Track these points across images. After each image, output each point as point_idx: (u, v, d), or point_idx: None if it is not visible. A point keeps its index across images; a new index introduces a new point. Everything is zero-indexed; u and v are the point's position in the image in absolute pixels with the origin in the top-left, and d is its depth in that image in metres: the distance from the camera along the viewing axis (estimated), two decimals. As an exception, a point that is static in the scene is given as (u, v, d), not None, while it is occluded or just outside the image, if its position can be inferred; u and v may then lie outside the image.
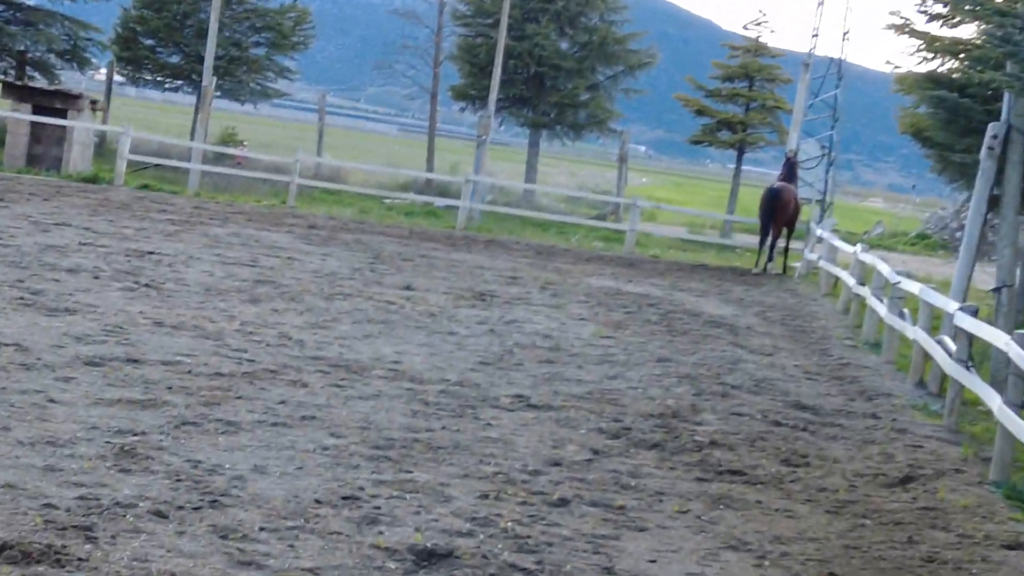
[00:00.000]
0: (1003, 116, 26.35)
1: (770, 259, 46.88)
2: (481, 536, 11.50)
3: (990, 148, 26.52)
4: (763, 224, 47.16)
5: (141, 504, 11.15)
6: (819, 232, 47.18)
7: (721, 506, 13.70)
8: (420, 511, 12.00)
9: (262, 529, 10.97)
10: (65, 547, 9.79)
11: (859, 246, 37.67)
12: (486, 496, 12.81)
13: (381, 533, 11.23)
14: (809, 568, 11.89)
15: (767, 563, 11.90)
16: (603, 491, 13.64)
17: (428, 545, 10.97)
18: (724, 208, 64.22)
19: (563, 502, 12.94)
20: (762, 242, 47.34)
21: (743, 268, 47.02)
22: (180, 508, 11.18)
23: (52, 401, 14.32)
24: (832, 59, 67.71)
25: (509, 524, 11.95)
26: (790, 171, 50.94)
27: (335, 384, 17.30)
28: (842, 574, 11.82)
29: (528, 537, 11.68)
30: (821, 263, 43.80)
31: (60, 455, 12.23)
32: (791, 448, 17.15)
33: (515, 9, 59.17)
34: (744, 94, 70.20)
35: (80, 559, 9.55)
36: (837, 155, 66.25)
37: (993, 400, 17.55)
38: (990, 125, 26.91)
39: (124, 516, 10.79)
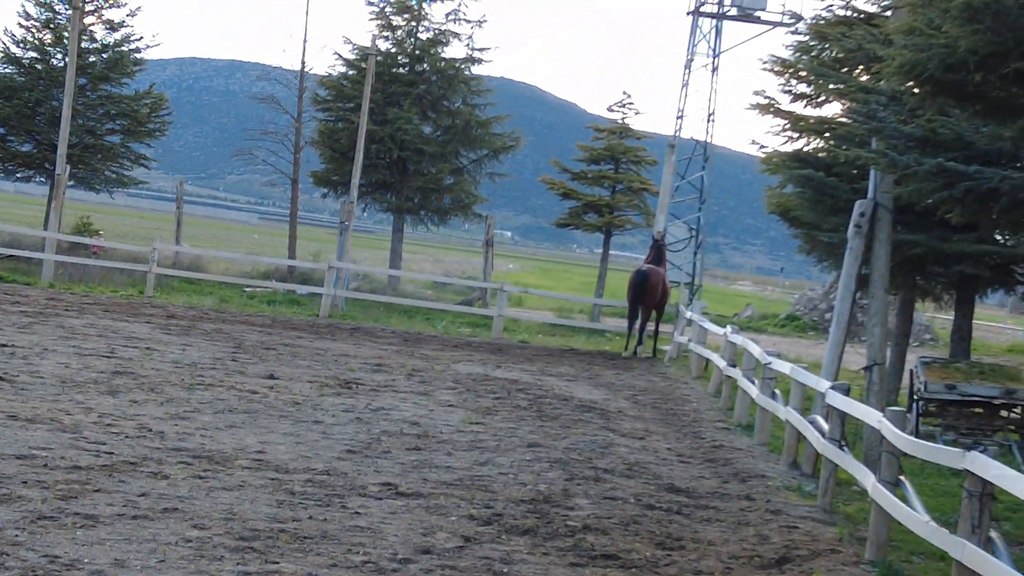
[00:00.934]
0: (870, 193, 26.61)
1: (640, 342, 47.00)
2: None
3: (857, 226, 26.76)
4: (632, 307, 47.41)
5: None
6: (688, 314, 47.50)
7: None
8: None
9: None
10: None
11: (729, 328, 37.91)
12: (354, 589, 12.74)
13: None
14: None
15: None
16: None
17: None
18: (592, 292, 64.64)
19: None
20: (631, 325, 47.47)
21: (613, 352, 47.19)
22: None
23: None
24: (698, 141, 68.43)
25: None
26: (658, 253, 51.21)
27: (197, 475, 17.08)
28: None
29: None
30: (691, 345, 44.05)
31: None
32: (665, 531, 17.10)
33: (376, 93, 59.41)
34: (610, 176, 70.64)
35: None
36: (704, 237, 67.01)
37: (867, 479, 17.66)
38: (857, 203, 27.17)
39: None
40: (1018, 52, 13.39)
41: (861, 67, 31.78)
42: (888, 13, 30.90)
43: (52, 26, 61.83)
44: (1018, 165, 18.46)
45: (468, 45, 68.35)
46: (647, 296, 47.10)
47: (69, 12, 58.61)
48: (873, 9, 37.22)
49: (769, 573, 15.51)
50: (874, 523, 16.89)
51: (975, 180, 17.93)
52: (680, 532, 17.17)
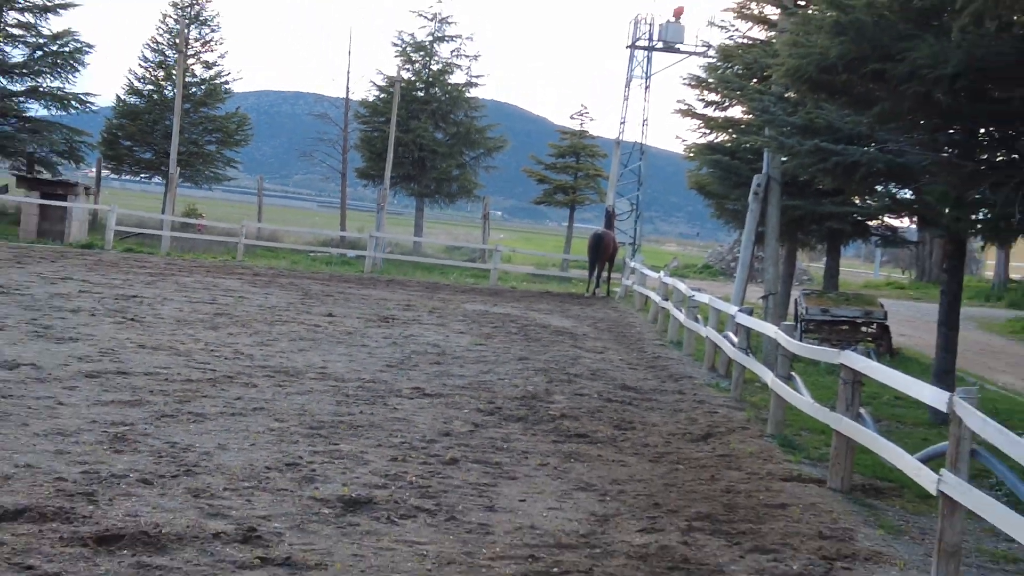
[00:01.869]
0: (764, 169, 26.69)
1: (596, 286, 47.00)
2: (392, 488, 11.37)
3: (755, 194, 26.82)
4: (591, 260, 47.62)
5: (131, 475, 10.90)
6: (632, 264, 47.79)
7: (571, 460, 13.71)
8: (345, 471, 11.90)
9: (226, 490, 10.75)
10: (73, 508, 9.51)
11: (662, 273, 37.91)
12: (395, 459, 12.74)
13: (316, 488, 11.03)
14: (639, 500, 11.83)
15: (608, 498, 11.84)
16: (483, 453, 13.64)
17: (353, 495, 10.80)
18: (562, 250, 64.43)
19: (453, 461, 12.93)
20: (590, 274, 47.70)
21: (577, 293, 47.06)
22: (161, 477, 10.95)
23: (61, 404, 14.02)
24: (636, 141, 68.48)
25: (413, 478, 11.89)
26: (609, 221, 51.72)
27: (278, 384, 17.10)
28: (663, 503, 11.75)
29: (428, 487, 11.58)
30: (635, 287, 44.04)
31: (68, 442, 11.99)
32: (620, 417, 17.24)
33: (401, 110, 59.15)
34: (573, 167, 70.53)
35: (84, 516, 9.29)
36: (641, 211, 66.86)
37: (767, 375, 17.73)
38: (755, 176, 27.24)
39: (118, 484, 10.53)
40: (874, 56, 13.23)
41: (755, 79, 31.66)
42: (775, 36, 30.84)
43: (164, 66, 61.41)
44: (873, 144, 18.35)
45: (467, 74, 68.12)
46: (602, 252, 47.21)
47: (176, 56, 58.34)
48: (764, 36, 37.18)
49: (698, 445, 15.56)
50: (773, 407, 16.95)
51: (842, 156, 17.78)
52: (631, 417, 17.27)
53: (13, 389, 14.65)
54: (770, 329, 18.90)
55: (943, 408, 10.36)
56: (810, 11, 15.84)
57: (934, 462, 10.75)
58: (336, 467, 12.06)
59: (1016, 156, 13.87)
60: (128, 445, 12.16)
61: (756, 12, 38.62)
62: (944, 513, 9.76)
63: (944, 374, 20.02)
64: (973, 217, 15.92)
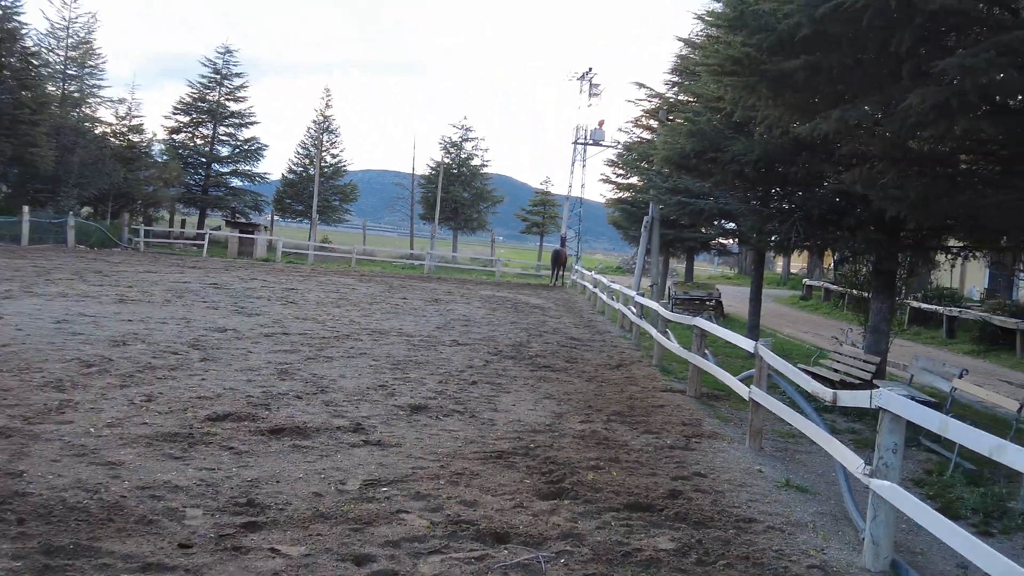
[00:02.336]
0: (650, 213, 26.79)
1: (555, 280, 46.86)
2: (439, 399, 11.36)
3: (645, 227, 26.90)
4: (552, 265, 47.90)
5: (291, 393, 10.89)
6: (576, 267, 47.72)
7: (541, 381, 13.63)
8: (412, 390, 11.87)
9: (343, 400, 10.76)
10: (253, 412, 9.52)
11: (593, 272, 37.87)
12: (440, 382, 12.69)
13: (395, 399, 11.03)
14: (579, 405, 11.81)
15: (562, 404, 11.82)
16: (491, 377, 13.56)
17: (416, 403, 10.79)
18: (536, 260, 64.30)
19: (474, 383, 12.88)
20: (552, 273, 47.67)
21: (545, 284, 46.85)
22: (306, 395, 10.94)
23: (250, 352, 14.01)
24: (578, 197, 68.21)
25: (450, 393, 11.85)
26: (562, 243, 51.69)
27: (374, 339, 17.01)
28: (593, 406, 11.74)
29: (459, 398, 11.57)
30: (577, 280, 43.99)
31: (253, 376, 11.96)
32: (569, 355, 17.12)
33: (444, 180, 59.41)
34: (541, 212, 70.75)
35: (261, 417, 9.30)
36: (580, 236, 66.45)
37: (652, 331, 17.64)
38: (645, 217, 27.27)
39: (282, 398, 10.53)
40: (711, 149, 13.19)
41: (644, 162, 31.68)
42: (656, 137, 30.91)
43: (308, 157, 61.16)
44: (711, 199, 18.32)
45: (481, 159, 67.98)
46: (558, 261, 47.39)
47: (315, 152, 58.52)
48: (649, 137, 37.44)
49: (613, 371, 15.47)
50: (656, 350, 16.90)
51: (693, 205, 17.81)
52: (575, 355, 17.16)
53: (223, 344, 14.67)
54: (654, 304, 18.91)
55: (751, 350, 10.39)
56: (676, 122, 15.72)
57: (747, 381, 10.80)
58: (406, 387, 12.07)
59: (792, 206, 13.85)
60: (288, 376, 12.15)
61: (645, 123, 38.91)
62: (752, 409, 9.84)
63: (753, 329, 20.12)
64: (769, 240, 15.98)
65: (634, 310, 21.30)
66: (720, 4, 11.03)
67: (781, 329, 28.77)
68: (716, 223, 21.24)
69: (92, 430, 8.49)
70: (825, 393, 7.65)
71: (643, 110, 38.52)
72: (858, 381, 12.60)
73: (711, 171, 13.87)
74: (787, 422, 9.34)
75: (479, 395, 11.93)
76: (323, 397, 10.85)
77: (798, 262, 67.75)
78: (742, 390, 10.54)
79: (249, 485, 7.15)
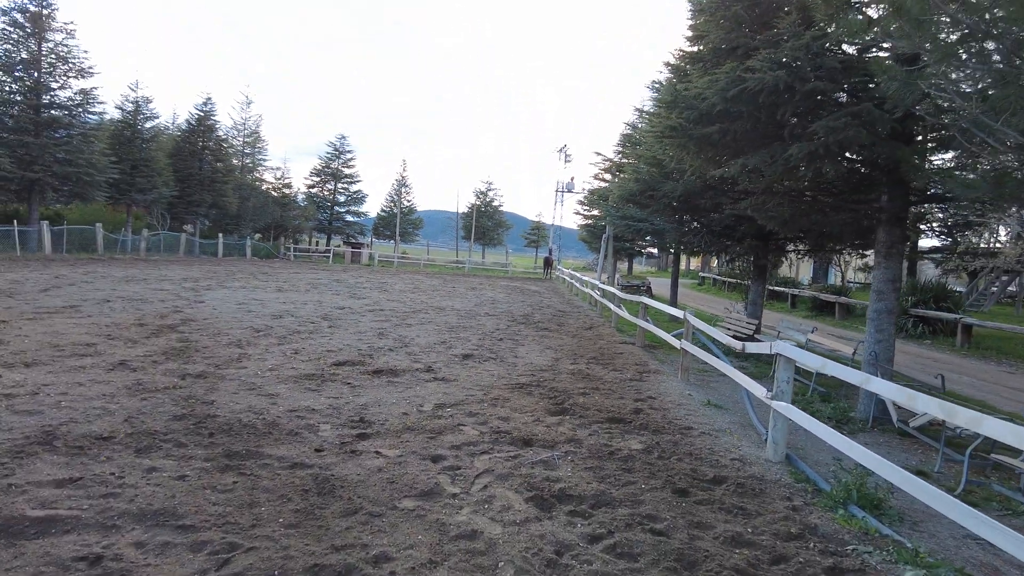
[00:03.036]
0: (607, 232, 26.06)
1: (547, 276, 45.95)
2: (480, 350, 10.82)
3: (604, 241, 26.13)
4: (544, 266, 46.75)
5: (386, 347, 10.37)
6: (560, 268, 46.71)
7: (543, 338, 13.00)
8: (464, 344, 11.28)
9: (419, 352, 10.23)
10: (362, 360, 9.02)
11: (570, 271, 37.18)
12: (480, 338, 12.09)
13: (452, 350, 10.51)
14: (568, 353, 11.27)
15: (557, 352, 11.25)
16: (511, 336, 12.91)
17: (465, 352, 10.28)
18: (533, 263, 63.54)
19: (501, 340, 12.24)
20: (544, 272, 46.53)
21: (540, 278, 46.10)
22: (395, 348, 10.42)
23: (360, 322, 13.48)
24: (559, 224, 67.38)
25: (487, 346, 11.28)
26: (550, 252, 50.74)
27: (436, 313, 16.42)
28: (578, 354, 11.19)
29: (493, 349, 11.01)
30: (560, 276, 43.26)
31: (361, 336, 11.41)
32: (558, 321, 16.39)
33: (476, 214, 58.76)
34: (535, 234, 69.74)
35: (367, 363, 8.81)
36: (560, 250, 65.31)
37: (611, 306, 16.99)
38: (604, 235, 26.46)
39: (380, 351, 10.02)
40: (648, 190, 12.60)
41: (603, 200, 30.86)
42: (611, 183, 30.03)
43: (394, 203, 60.56)
44: (646, 222, 17.68)
45: (499, 202, 67.34)
46: (548, 263, 46.46)
47: (397, 199, 57.67)
48: (606, 184, 36.67)
49: (587, 331, 14.76)
50: (613, 318, 16.20)
51: (636, 227, 17.14)
52: (562, 321, 16.43)
53: (342, 317, 14.12)
54: (612, 288, 18.22)
55: (680, 315, 9.82)
56: (625, 176, 15.02)
57: (678, 336, 10.26)
58: (459, 343, 11.51)
59: (701, 225, 13.22)
60: (384, 336, 11.60)
61: (600, 177, 38.08)
62: (683, 354, 9.29)
63: (673, 303, 19.45)
64: (685, 247, 15.33)
65: (597, 293, 20.71)
66: (659, 94, 10.55)
67: (688, 303, 28.12)
68: (648, 238, 20.44)
69: (259, 373, 8.03)
70: (736, 344, 7.10)
71: (599, 168, 37.85)
72: (745, 335, 12.06)
73: (649, 203, 13.30)
74: (705, 363, 8.82)
75: (505, 347, 11.40)
76: (406, 350, 10.35)
77: (696, 262, 67.01)
78: (675, 343, 10.00)
79: (361, 408, 6.68)
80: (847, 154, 8.05)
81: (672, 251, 19.03)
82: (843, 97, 6.64)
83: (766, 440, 5.98)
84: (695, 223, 12.98)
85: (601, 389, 8.20)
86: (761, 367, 10.91)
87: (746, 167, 7.06)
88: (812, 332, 10.57)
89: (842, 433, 7.13)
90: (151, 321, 11.55)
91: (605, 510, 4.30)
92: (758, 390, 6.17)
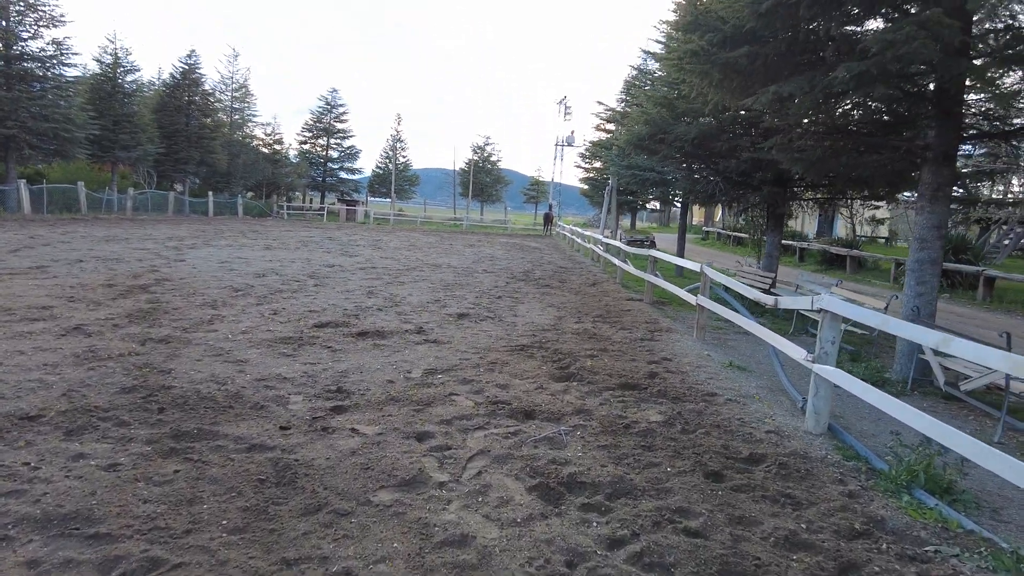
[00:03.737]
0: (610, 183, 24.84)
1: (547, 232, 44.92)
2: (476, 308, 10.00)
3: (607, 193, 25.05)
4: (544, 222, 45.53)
5: (374, 307, 9.57)
6: (560, 223, 45.61)
7: (544, 296, 12.20)
8: (457, 303, 10.46)
9: (410, 311, 9.42)
10: (347, 321, 8.19)
11: (570, 227, 36.17)
12: (477, 296, 11.27)
13: (446, 310, 9.70)
14: (572, 311, 10.45)
15: (560, 311, 10.45)
16: (510, 294, 12.09)
17: (460, 312, 9.47)
18: (533, 220, 62.29)
19: (499, 297, 11.43)
20: (544, 228, 45.38)
21: (540, 235, 45.01)
22: (384, 308, 9.60)
23: (348, 280, 12.63)
24: (558, 182, 65.94)
25: (484, 304, 10.47)
26: (550, 209, 49.55)
27: (432, 270, 15.57)
28: (582, 311, 10.38)
29: (490, 308, 10.19)
30: (560, 232, 42.24)
31: (349, 295, 10.59)
32: (560, 278, 15.52)
33: (473, 171, 57.39)
34: (535, 191, 68.28)
35: (352, 324, 7.98)
36: (560, 204, 63.85)
37: (616, 261, 16.10)
38: (606, 187, 25.35)
39: (368, 311, 9.21)
40: (659, 133, 11.58)
41: (606, 150, 29.66)
42: (614, 132, 28.87)
43: (389, 160, 59.17)
44: (653, 172, 16.61)
45: (497, 158, 65.67)
46: (548, 219, 45.31)
47: (392, 156, 56.18)
48: (606, 136, 35.23)
49: (591, 287, 13.94)
50: (619, 273, 15.34)
51: (645, 177, 16.15)
52: (564, 278, 15.56)
53: (331, 275, 13.28)
54: (617, 242, 17.30)
55: (696, 267, 8.97)
56: (633, 115, 13.88)
57: (693, 291, 9.43)
58: (454, 301, 10.70)
59: (714, 173, 12.22)
60: (373, 295, 10.77)
61: (603, 128, 36.66)
62: (699, 311, 8.48)
63: (681, 255, 18.56)
64: (697, 196, 14.31)
65: (600, 248, 19.80)
66: (675, 16, 9.45)
67: (693, 257, 27.26)
68: (654, 189, 19.32)
69: (230, 336, 7.23)
70: (767, 299, 6.22)
71: (601, 118, 36.37)
72: (761, 290, 11.23)
73: (658, 149, 12.26)
74: (720, 320, 8.01)
75: (504, 306, 10.57)
76: (396, 309, 9.53)
77: (698, 217, 65.82)
78: (689, 298, 9.14)
79: (340, 375, 5.89)
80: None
81: (679, 204, 18.06)
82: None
83: (803, 408, 5.21)
84: (708, 170, 11.97)
85: (610, 350, 7.41)
86: (779, 324, 10.12)
87: (779, 96, 6.10)
88: (837, 286, 9.74)
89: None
90: (122, 282, 10.69)
91: (625, 502, 3.53)
92: (794, 351, 5.36)
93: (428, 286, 12.53)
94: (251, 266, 14.09)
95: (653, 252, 11.81)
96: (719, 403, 5.55)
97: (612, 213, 25.38)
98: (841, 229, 39.06)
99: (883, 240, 36.66)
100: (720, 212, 56.47)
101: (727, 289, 8.87)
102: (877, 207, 14.18)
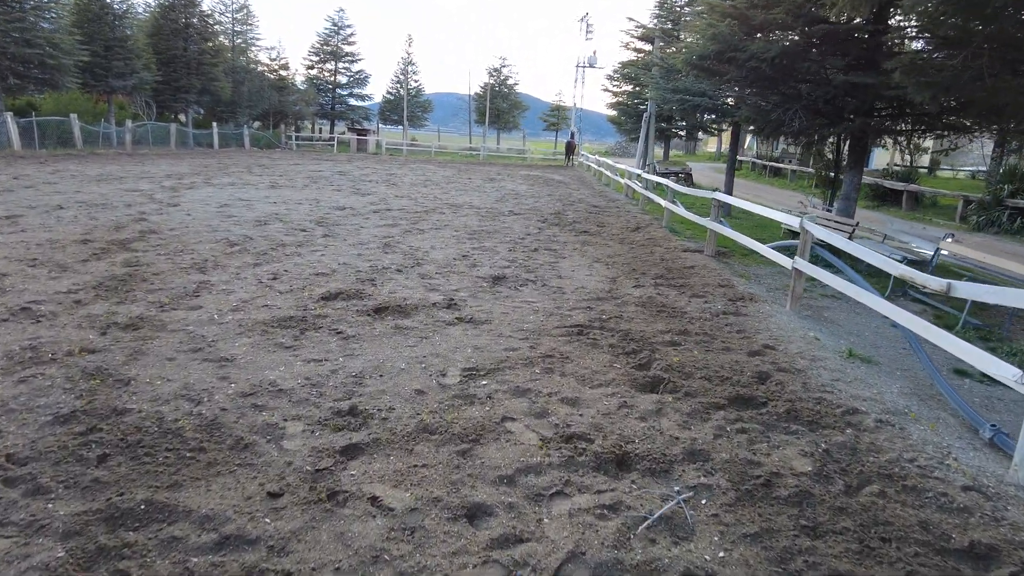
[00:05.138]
0: (649, 110, 22.49)
1: (568, 163, 42.53)
2: (512, 267, 8.48)
3: (645, 120, 22.75)
4: (566, 152, 42.98)
5: (392, 267, 8.07)
6: (583, 153, 43.08)
7: (585, 245, 10.63)
8: (491, 259, 8.91)
9: (435, 272, 7.91)
10: (361, 289, 6.70)
11: (596, 156, 33.91)
12: (510, 250, 9.69)
13: (478, 269, 8.18)
14: (624, 267, 8.87)
15: (608, 266, 8.89)
16: (546, 244, 10.50)
17: (495, 273, 7.93)
18: (553, 149, 59.61)
19: (536, 250, 9.85)
20: (566, 158, 42.86)
21: (561, 166, 42.69)
22: (405, 268, 8.09)
23: (362, 227, 11.09)
24: (579, 107, 62.64)
25: (520, 260, 8.93)
26: (572, 137, 46.95)
27: (452, 211, 13.94)
28: (636, 269, 8.78)
29: (528, 265, 8.65)
30: (584, 162, 39.90)
31: (362, 250, 9.07)
32: (597, 220, 13.85)
33: (491, 96, 54.44)
34: (556, 116, 65.06)
35: (367, 294, 6.51)
36: (580, 134, 60.68)
37: (660, 201, 14.34)
38: (644, 114, 23.07)
39: (386, 272, 7.71)
40: (729, 51, 9.63)
41: (647, 69, 27.14)
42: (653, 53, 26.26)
43: (400, 84, 56.23)
44: (706, 97, 14.55)
45: (514, 80, 62.25)
46: (570, 148, 42.83)
47: (402, 81, 53.26)
48: (634, 57, 32.32)
49: (635, 233, 12.27)
50: (666, 215, 13.64)
51: (697, 103, 14.15)
52: (602, 220, 13.88)
53: (342, 221, 11.73)
54: (666, 181, 15.36)
55: (794, 224, 7.28)
56: (695, 30, 11.72)
57: (784, 250, 7.80)
58: (483, 255, 9.15)
59: (797, 99, 10.25)
60: (390, 249, 9.21)
61: (634, 47, 33.68)
62: (795, 277, 6.86)
63: (727, 192, 16.69)
64: (771, 127, 12.36)
65: (638, 184, 17.95)
66: None
67: (739, 193, 25.29)
68: (705, 116, 17.06)
69: (216, 316, 5.81)
70: (934, 283, 4.52)
71: (632, 36, 33.35)
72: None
73: (724, 71, 10.28)
74: (825, 284, 6.44)
75: (542, 262, 9.01)
76: (419, 270, 8.02)
77: (725, 142, 62.75)
78: (784, 262, 7.39)
79: (353, 382, 4.47)
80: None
81: (721, 131, 16.08)
82: None
83: (991, 440, 3.72)
84: (785, 96, 10.02)
85: (692, 333, 5.90)
86: (879, 281, 8.50)
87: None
88: (948, 239, 8.04)
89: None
90: (101, 236, 9.24)
91: None
92: (994, 365, 3.78)
93: (452, 235, 10.98)
94: (253, 210, 12.57)
95: (718, 195, 10.07)
96: (869, 428, 4.08)
97: (651, 141, 23.21)
98: (878, 160, 36.42)
99: (925, 170, 34.13)
100: (749, 139, 53.31)
101: (835, 251, 7.23)
102: (944, 136, 12.12)
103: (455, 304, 6.50)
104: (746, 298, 7.35)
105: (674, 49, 13.66)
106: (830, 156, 13.15)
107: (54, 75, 24.67)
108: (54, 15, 25.22)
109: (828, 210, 12.98)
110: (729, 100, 13.02)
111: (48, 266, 7.33)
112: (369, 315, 6.03)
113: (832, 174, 13.39)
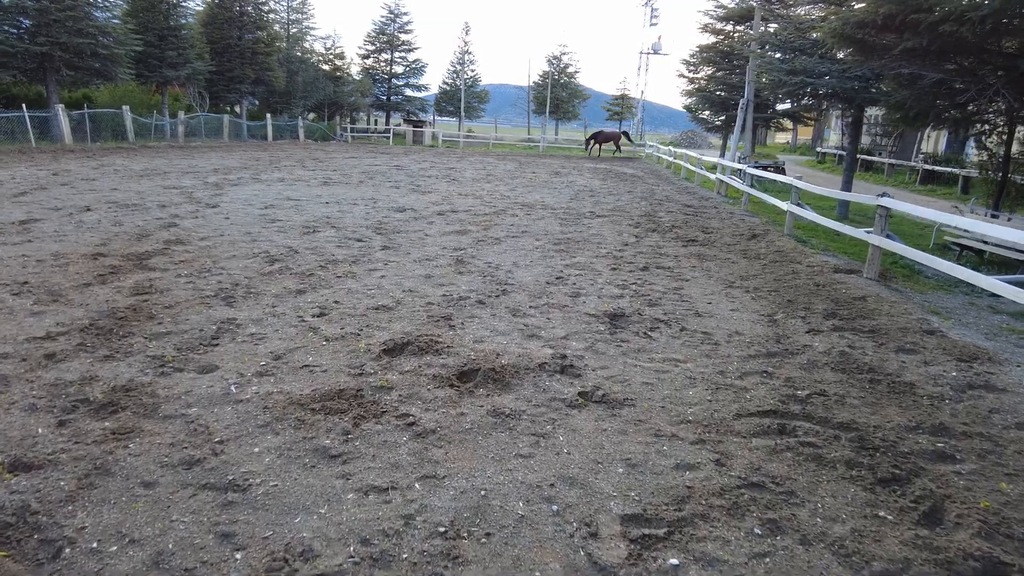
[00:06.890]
0: (746, 95, 19.68)
1: (588, 151, 39.58)
2: (626, 297, 6.50)
3: (741, 108, 20.04)
4: (594, 141, 40.38)
5: (472, 297, 6.15)
6: (646, 142, 40.28)
7: (702, 260, 8.53)
8: (593, 282, 6.88)
9: (528, 306, 6.03)
10: (435, 335, 4.75)
11: (667, 147, 31.32)
12: (613, 269, 7.67)
13: (584, 301, 6.19)
14: (771, 296, 6.73)
15: (755, 295, 6.77)
16: (653, 258, 8.43)
17: (610, 307, 5.93)
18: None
19: (645, 269, 7.78)
20: (586, 147, 40.14)
21: (624, 157, 40.08)
22: (487, 298, 6.18)
23: (426, 235, 9.27)
24: (643, 99, 59.65)
25: (633, 286, 6.85)
26: (621, 131, 43.88)
27: (526, 213, 11.97)
28: (793, 300, 6.58)
29: (648, 295, 6.60)
30: (653, 153, 37.27)
31: (430, 269, 7.20)
32: (699, 225, 11.59)
33: (552, 87, 52.21)
34: (620, 106, 62.21)
35: (445, 345, 4.53)
36: (642, 124, 57.46)
37: (780, 204, 12.02)
38: (741, 100, 20.36)
39: (464, 306, 5.80)
40: (906, 12, 7.30)
41: (745, 45, 24.47)
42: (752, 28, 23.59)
43: (456, 75, 54.59)
44: (827, 77, 12.12)
45: (575, 70, 59.66)
46: (607, 138, 40.21)
47: (460, 71, 51.37)
48: (714, 40, 29.41)
49: (754, 242, 10.10)
50: (788, 221, 11.25)
51: (813, 84, 11.74)
52: (705, 225, 11.64)
53: (402, 227, 9.92)
54: (749, 171, 13.09)
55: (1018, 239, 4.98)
56: None
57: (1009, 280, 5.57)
58: (582, 278, 7.12)
59: (995, 79, 7.81)
60: (464, 267, 7.33)
61: (714, 29, 30.79)
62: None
63: (846, 187, 14.09)
64: (951, 114, 9.85)
65: (735, 178, 15.56)
66: None
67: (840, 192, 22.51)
68: (828, 101, 14.41)
69: (234, 388, 4.02)
70: None
71: (711, 17, 30.44)
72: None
73: (892, 43, 7.90)
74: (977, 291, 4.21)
75: (663, 288, 6.93)
76: (506, 301, 6.08)
77: (803, 133, 58.71)
78: (1006, 291, 5.23)
79: (442, 549, 2.57)
80: None
81: (817, 120, 13.55)
82: None
83: None
84: (985, 71, 7.57)
85: (955, 431, 3.76)
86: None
87: None
88: None
89: None
90: (117, 248, 7.68)
91: None
92: None
93: (534, 244, 9.02)
94: (302, 213, 10.93)
95: (884, 201, 7.76)
96: None
97: (747, 132, 20.57)
98: (973, 151, 32.68)
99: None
100: (825, 130, 49.40)
101: None
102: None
103: (571, 366, 4.53)
104: (980, 357, 5.11)
105: (796, 23, 11.28)
106: (989, 150, 10.60)
107: (107, 65, 23.85)
108: (108, 3, 24.41)
109: (995, 216, 10.48)
110: (872, 81, 10.50)
111: (36, 293, 5.73)
112: (452, 386, 4.13)
113: (1000, 174, 10.78)
